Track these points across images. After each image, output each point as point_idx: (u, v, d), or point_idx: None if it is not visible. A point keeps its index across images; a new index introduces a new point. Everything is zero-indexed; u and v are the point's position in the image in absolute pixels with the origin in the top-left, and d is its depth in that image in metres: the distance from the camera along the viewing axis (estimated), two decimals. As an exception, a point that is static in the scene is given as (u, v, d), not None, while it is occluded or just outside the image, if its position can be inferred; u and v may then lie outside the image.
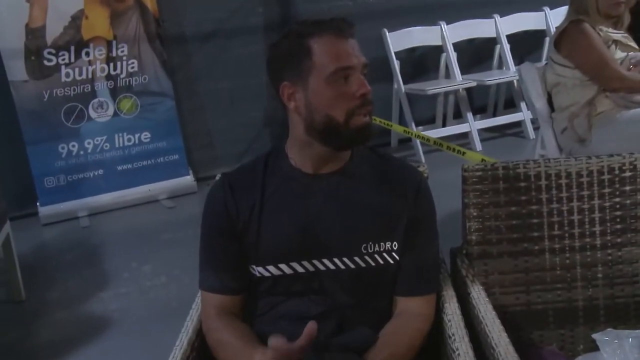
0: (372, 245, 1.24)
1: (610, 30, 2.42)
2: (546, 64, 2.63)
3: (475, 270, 1.47)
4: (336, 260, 1.24)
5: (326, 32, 1.19)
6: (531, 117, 4.23)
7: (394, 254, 1.26)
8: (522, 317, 1.51)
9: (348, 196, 1.26)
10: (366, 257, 1.24)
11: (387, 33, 4.44)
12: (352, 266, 1.24)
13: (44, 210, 3.79)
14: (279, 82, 1.24)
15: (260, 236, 1.25)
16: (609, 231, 1.49)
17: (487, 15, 4.77)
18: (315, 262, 1.24)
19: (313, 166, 1.27)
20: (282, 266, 1.24)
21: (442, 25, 4.61)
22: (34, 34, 3.62)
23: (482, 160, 2.59)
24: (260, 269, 1.26)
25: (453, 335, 1.19)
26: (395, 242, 1.25)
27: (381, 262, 1.25)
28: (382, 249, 1.24)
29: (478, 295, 1.34)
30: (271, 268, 1.25)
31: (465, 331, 1.20)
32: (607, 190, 1.48)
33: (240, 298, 1.30)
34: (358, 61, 1.19)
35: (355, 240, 1.24)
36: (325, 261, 1.24)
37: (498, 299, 1.49)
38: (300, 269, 1.24)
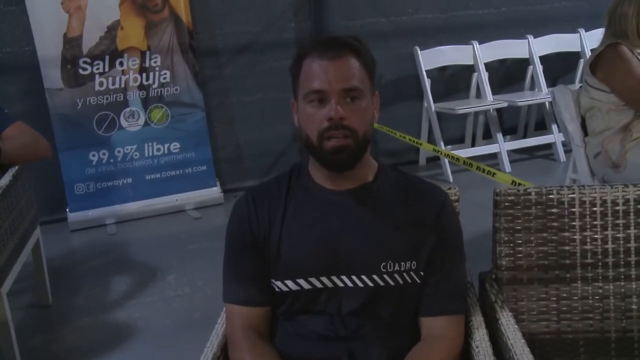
0: (392, 265, 1.23)
1: (649, 55, 2.39)
2: (580, 87, 2.60)
3: (504, 295, 1.45)
4: (354, 277, 1.23)
5: (312, 53, 1.21)
6: (562, 139, 4.18)
7: (412, 273, 1.24)
8: (551, 346, 1.47)
9: (369, 214, 1.26)
10: (385, 276, 1.23)
11: (418, 51, 4.43)
12: (371, 284, 1.23)
13: (73, 217, 3.84)
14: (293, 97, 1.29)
15: (280, 250, 1.26)
16: (644, 261, 1.45)
17: (520, 35, 4.74)
18: (334, 278, 1.23)
19: (331, 182, 1.27)
20: (301, 281, 1.24)
21: (475, 45, 4.59)
22: (71, 44, 3.69)
23: (513, 182, 2.55)
24: (279, 283, 1.26)
25: (481, 362, 1.17)
26: (414, 262, 1.24)
27: (400, 281, 1.24)
28: (401, 269, 1.23)
29: (507, 322, 1.31)
30: (289, 283, 1.25)
31: (494, 358, 1.18)
32: (643, 219, 1.44)
33: (266, 311, 1.29)
34: (331, 86, 1.18)
35: (374, 258, 1.23)
36: (344, 278, 1.23)
37: (527, 326, 1.46)
38: (318, 285, 1.24)
